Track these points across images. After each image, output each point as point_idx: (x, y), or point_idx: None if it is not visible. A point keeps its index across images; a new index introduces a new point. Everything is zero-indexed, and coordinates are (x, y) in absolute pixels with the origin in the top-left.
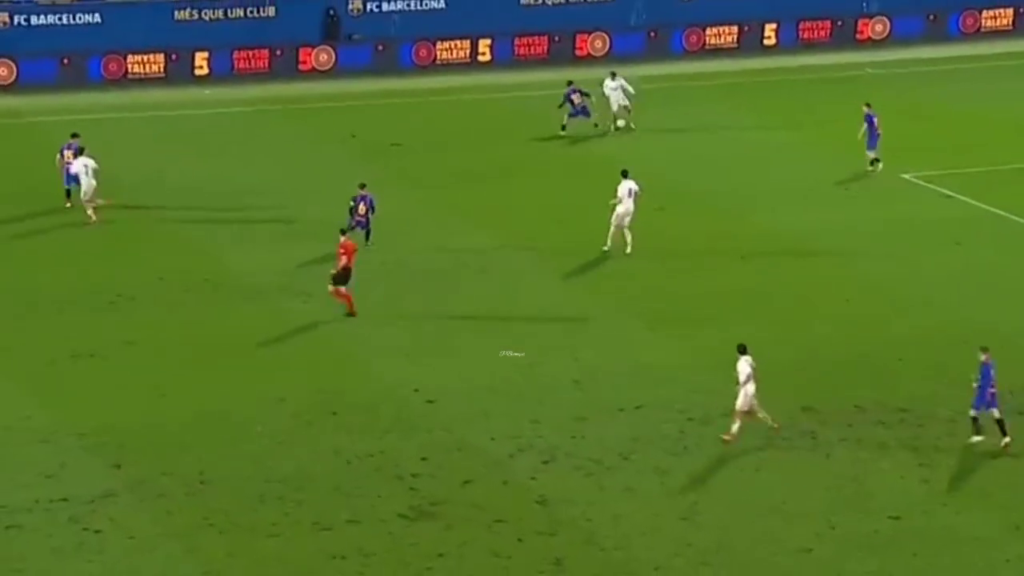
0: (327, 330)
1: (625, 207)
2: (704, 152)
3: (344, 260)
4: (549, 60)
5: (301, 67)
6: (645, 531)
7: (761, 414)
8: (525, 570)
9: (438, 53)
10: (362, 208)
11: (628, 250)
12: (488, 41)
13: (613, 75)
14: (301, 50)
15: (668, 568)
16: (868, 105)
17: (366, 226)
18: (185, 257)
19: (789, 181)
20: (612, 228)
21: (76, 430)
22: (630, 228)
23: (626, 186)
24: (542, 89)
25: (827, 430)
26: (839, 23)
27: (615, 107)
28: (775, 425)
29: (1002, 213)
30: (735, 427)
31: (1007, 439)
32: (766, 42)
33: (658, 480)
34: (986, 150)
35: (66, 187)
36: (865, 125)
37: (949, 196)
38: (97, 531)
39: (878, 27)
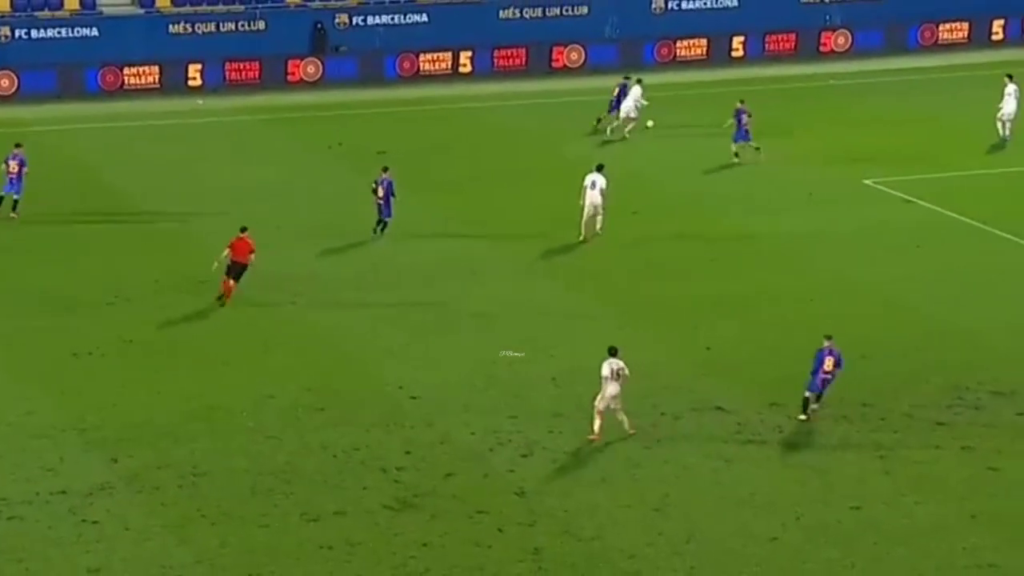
0: (316, 329)
1: (589, 199)
2: (676, 159)
3: (231, 253)
4: (527, 71)
5: (290, 78)
6: (619, 521)
7: (620, 416)
8: (505, 559)
9: (421, 65)
10: (380, 191)
11: (598, 228)
12: (469, 53)
13: (639, 81)
14: (290, 62)
15: (641, 556)
16: (742, 102)
17: (386, 210)
18: (180, 260)
19: (756, 186)
20: (584, 221)
21: (76, 425)
22: (603, 215)
23: (590, 178)
24: (520, 99)
25: (793, 424)
26: (803, 36)
27: (623, 114)
28: (631, 431)
29: (959, 217)
30: (596, 424)
31: (803, 416)
32: (734, 54)
33: (631, 472)
34: (943, 157)
35: (12, 196)
36: (733, 119)
37: (909, 201)
38: (95, 522)
39: (840, 40)
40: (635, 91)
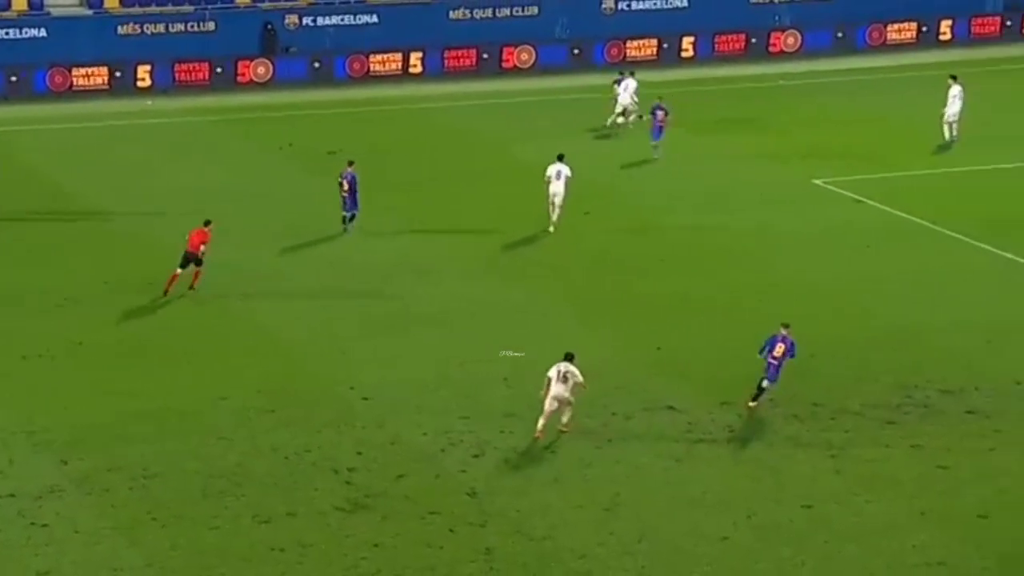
0: (267, 330)
1: (554, 188)
2: (626, 158)
3: (189, 245)
4: (477, 72)
5: (240, 79)
6: (570, 521)
7: (564, 413)
8: (457, 559)
9: (371, 65)
10: (345, 185)
11: (554, 221)
12: (419, 54)
13: (632, 74)
14: (240, 63)
15: (592, 556)
16: (660, 99)
17: (352, 204)
18: (129, 261)
19: (707, 186)
20: (552, 213)
21: (25, 428)
22: (560, 208)
23: (554, 168)
24: (471, 100)
25: (744, 423)
26: (753, 37)
27: (620, 107)
28: (564, 428)
29: (908, 217)
30: (541, 422)
31: (751, 400)
32: (684, 55)
33: (583, 472)
34: (892, 157)
35: None
36: (649, 115)
37: (858, 201)
38: (44, 525)
39: (790, 40)
40: (631, 84)
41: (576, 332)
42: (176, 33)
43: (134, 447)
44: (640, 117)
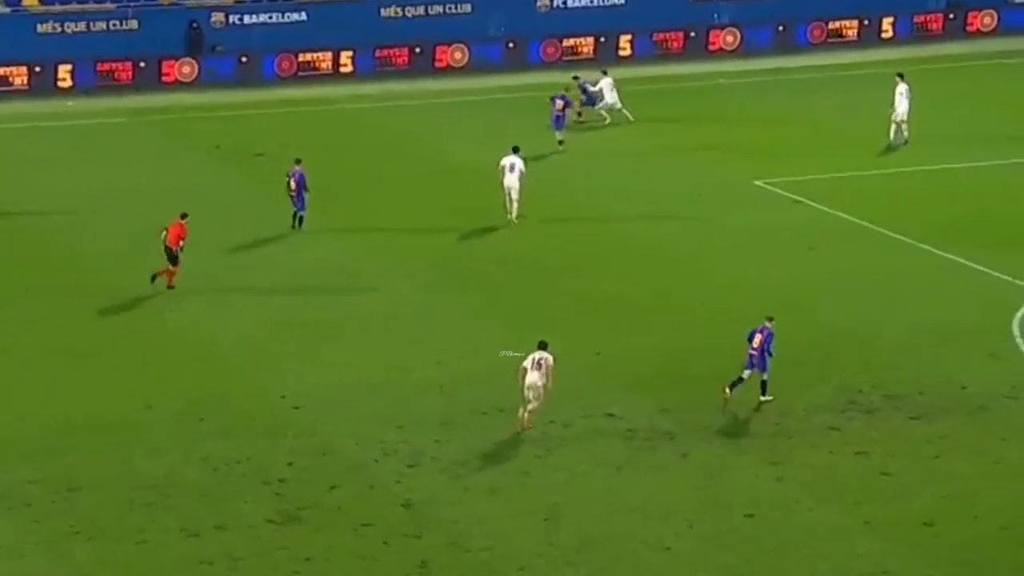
0: (195, 336)
1: (508, 181)
2: (563, 160)
3: (166, 236)
4: (410, 71)
5: (164, 79)
6: (509, 532)
7: (530, 407)
8: (391, 573)
9: (300, 64)
10: (292, 184)
11: (513, 217)
12: (350, 53)
13: (604, 72)
14: (164, 62)
15: (532, 568)
16: (567, 89)
17: (299, 203)
18: (53, 265)
19: (646, 187)
20: (510, 206)
21: None
22: (518, 202)
23: (508, 160)
24: (404, 99)
25: (685, 430)
26: (692, 34)
27: (610, 105)
28: (525, 426)
29: (850, 218)
30: (521, 412)
31: (729, 393)
32: (622, 53)
33: (521, 481)
34: (832, 156)
35: None
36: (549, 102)
37: (799, 201)
38: None
39: (729, 38)
40: (608, 81)
41: (512, 336)
42: (98, 32)
43: (58, 458)
44: (620, 110)
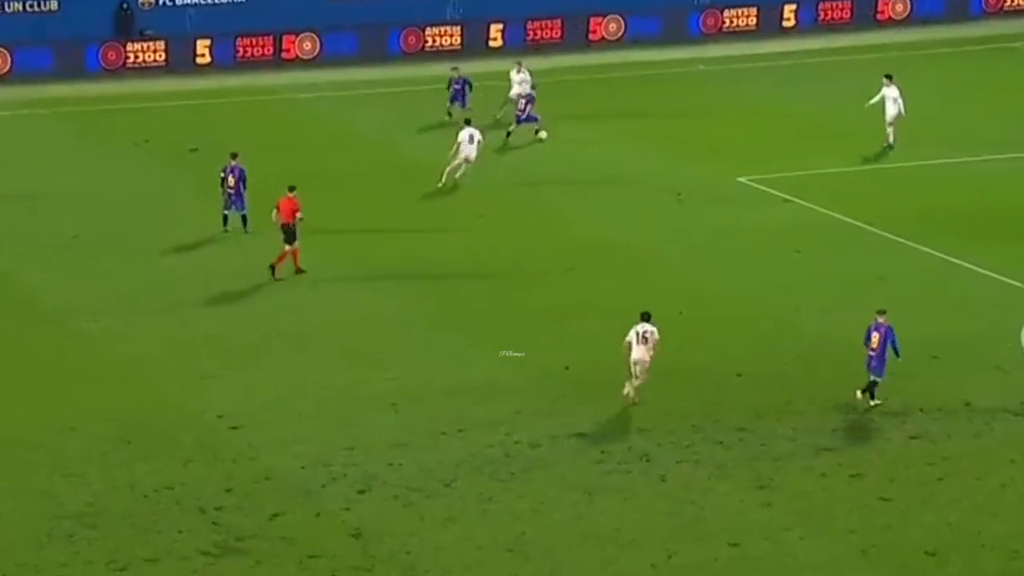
0: (120, 352)
1: (463, 153)
2: (527, 155)
3: (279, 215)
4: (359, 58)
5: (88, 66)
6: (469, 564)
7: (635, 383)
8: None
9: (239, 50)
10: (231, 180)
11: (458, 175)
12: (293, 37)
13: (519, 66)
14: (88, 47)
15: None
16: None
17: (239, 203)
18: None
19: (619, 185)
20: (448, 168)
21: None
22: (469, 165)
23: (467, 132)
24: (353, 89)
25: (662, 451)
26: (669, 18)
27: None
28: (632, 400)
29: (842, 217)
30: (627, 388)
31: (870, 399)
32: (592, 37)
33: (482, 508)
34: (824, 151)
35: None
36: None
37: (787, 200)
38: None
39: (710, 21)
40: (518, 77)
41: (469, 349)
42: (13, 14)
43: None
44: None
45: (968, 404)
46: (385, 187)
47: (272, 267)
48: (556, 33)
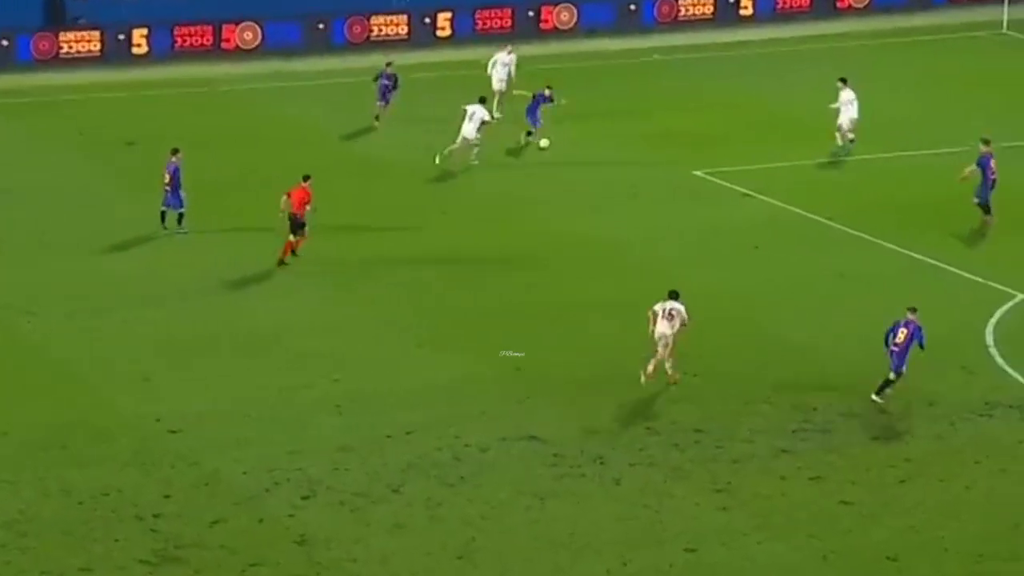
0: (56, 353)
1: (463, 132)
2: (484, 151)
3: (288, 203)
4: (303, 48)
5: (18, 56)
6: (417, 572)
7: (666, 363)
8: None
9: (177, 40)
10: (167, 177)
11: (473, 158)
12: (233, 27)
13: (509, 47)
14: (18, 36)
15: None
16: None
17: (175, 200)
18: None
19: (572, 181)
20: (454, 146)
21: None
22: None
23: (471, 108)
24: (297, 80)
25: (617, 454)
26: (624, 5)
27: (496, 88)
28: (672, 380)
29: (803, 212)
30: (650, 367)
31: (880, 393)
32: (543, 26)
33: (431, 514)
34: (786, 143)
35: None
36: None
37: (746, 194)
38: None
39: (665, 8)
40: (506, 58)
41: (417, 350)
42: None
43: None
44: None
45: (932, 404)
46: (334, 183)
47: (281, 261)
48: (507, 22)
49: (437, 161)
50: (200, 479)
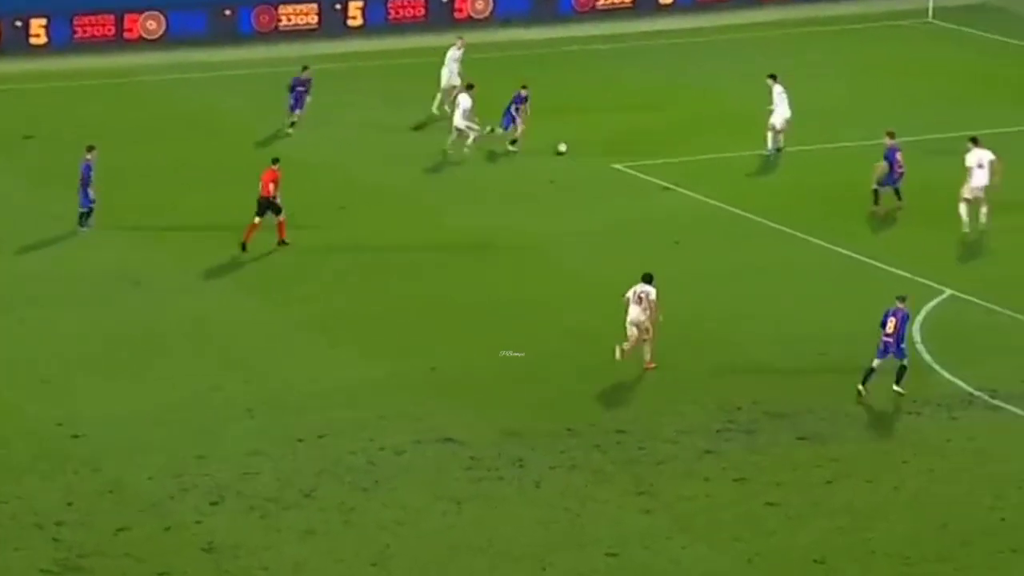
0: None
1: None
2: (390, 142)
3: (262, 190)
4: (209, 37)
5: None
6: None
7: (644, 348)
8: None
9: (77, 30)
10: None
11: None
12: (136, 16)
13: (459, 41)
14: None
15: None
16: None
17: (83, 198)
18: None
19: (487, 174)
20: (452, 137)
21: None
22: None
23: (459, 99)
24: (203, 71)
25: (536, 456)
26: None
27: (445, 83)
28: (648, 366)
29: (725, 207)
30: (625, 346)
31: (864, 389)
32: (457, 15)
33: (344, 519)
34: (705, 136)
35: None
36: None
37: (667, 188)
38: None
39: None
40: (456, 54)
41: (330, 350)
42: None
43: None
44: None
45: (859, 403)
46: (244, 179)
47: (243, 244)
48: (419, 12)
49: (450, 152)
50: (104, 486)
